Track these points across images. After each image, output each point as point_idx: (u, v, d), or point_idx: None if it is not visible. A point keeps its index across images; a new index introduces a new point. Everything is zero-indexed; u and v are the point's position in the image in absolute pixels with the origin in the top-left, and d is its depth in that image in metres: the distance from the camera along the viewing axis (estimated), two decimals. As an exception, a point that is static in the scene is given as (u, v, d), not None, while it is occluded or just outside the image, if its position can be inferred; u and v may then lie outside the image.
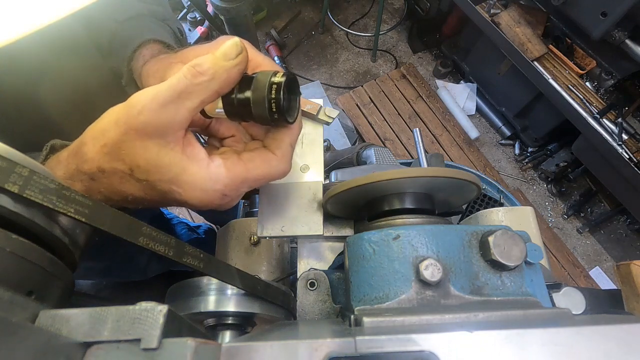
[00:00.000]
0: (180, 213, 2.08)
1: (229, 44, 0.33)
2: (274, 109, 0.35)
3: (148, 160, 0.33)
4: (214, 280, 0.43)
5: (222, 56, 0.33)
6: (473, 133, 2.45)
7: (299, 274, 0.50)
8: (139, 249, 0.29)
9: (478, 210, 0.88)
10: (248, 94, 0.35)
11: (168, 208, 2.04)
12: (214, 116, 0.39)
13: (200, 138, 0.55)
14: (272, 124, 0.37)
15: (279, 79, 0.35)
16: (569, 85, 1.79)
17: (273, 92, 0.34)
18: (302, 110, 0.53)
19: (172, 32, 0.68)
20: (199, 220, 2.00)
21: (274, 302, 0.44)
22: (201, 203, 0.35)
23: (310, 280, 0.48)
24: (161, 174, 0.34)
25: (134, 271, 1.35)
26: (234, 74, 0.34)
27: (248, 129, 0.43)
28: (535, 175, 2.42)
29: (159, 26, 0.65)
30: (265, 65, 0.40)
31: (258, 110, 0.35)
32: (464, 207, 0.92)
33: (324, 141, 0.57)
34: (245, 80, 0.36)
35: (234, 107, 0.36)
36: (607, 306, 0.46)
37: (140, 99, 0.32)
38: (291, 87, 0.37)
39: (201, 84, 0.32)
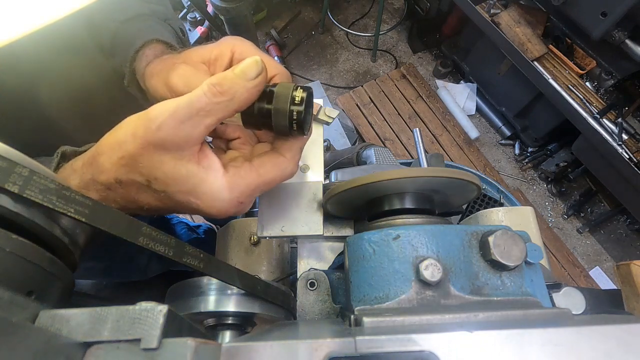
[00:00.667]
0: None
1: (250, 62, 0.34)
2: (295, 123, 0.36)
3: (166, 173, 0.34)
4: (214, 280, 0.43)
5: (242, 74, 0.33)
6: (473, 133, 2.45)
7: (299, 274, 0.50)
8: (139, 249, 0.29)
9: (478, 210, 0.88)
10: (270, 106, 0.36)
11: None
12: (227, 122, 0.40)
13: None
14: (289, 134, 0.39)
15: (300, 94, 0.36)
16: (569, 85, 1.79)
17: (295, 106, 0.36)
18: None
19: (174, 31, 0.68)
20: (198, 220, 1.99)
21: (274, 302, 0.44)
22: (219, 213, 0.36)
23: (310, 280, 0.48)
24: (179, 185, 0.34)
25: (134, 271, 1.35)
26: (254, 94, 0.35)
27: (256, 131, 0.44)
28: (535, 175, 2.42)
29: (161, 26, 0.65)
30: (281, 74, 0.41)
31: (280, 123, 0.36)
32: (464, 207, 0.92)
33: (324, 141, 0.57)
34: (265, 92, 0.37)
35: (253, 118, 0.37)
36: (607, 306, 0.46)
37: (159, 114, 0.32)
38: (309, 101, 0.39)
39: (221, 104, 0.33)
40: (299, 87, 0.37)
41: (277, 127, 0.37)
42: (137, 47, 0.55)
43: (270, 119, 0.36)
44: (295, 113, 0.36)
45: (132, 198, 0.35)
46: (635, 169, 1.61)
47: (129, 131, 0.33)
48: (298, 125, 0.36)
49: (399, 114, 2.48)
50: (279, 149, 0.39)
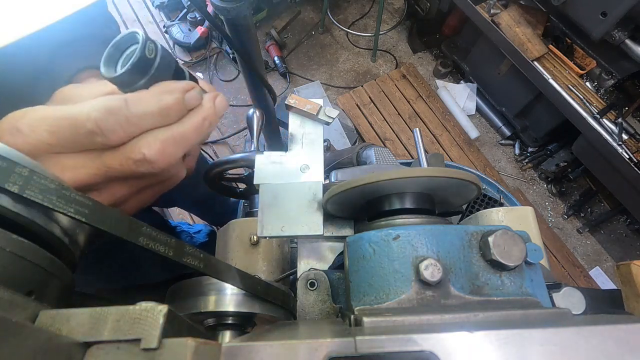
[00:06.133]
0: (180, 214, 2.08)
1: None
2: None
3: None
4: (214, 280, 0.43)
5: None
6: (473, 133, 2.45)
7: (299, 274, 0.50)
8: (140, 252, 0.29)
9: (478, 210, 0.88)
10: None
11: (170, 215, 2.05)
12: None
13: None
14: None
15: None
16: (569, 85, 1.79)
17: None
18: (302, 110, 0.53)
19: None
20: (198, 221, 2.00)
21: (274, 302, 0.44)
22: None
23: (310, 280, 0.48)
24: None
25: (134, 279, 1.34)
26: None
27: None
28: (535, 175, 2.42)
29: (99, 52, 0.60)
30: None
31: None
32: (464, 207, 0.92)
33: (324, 141, 0.57)
34: None
35: None
36: (607, 306, 0.46)
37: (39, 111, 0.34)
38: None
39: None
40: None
41: None
42: (70, 75, 0.52)
43: None
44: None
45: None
46: (635, 169, 1.61)
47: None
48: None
49: (399, 114, 2.48)
50: None
